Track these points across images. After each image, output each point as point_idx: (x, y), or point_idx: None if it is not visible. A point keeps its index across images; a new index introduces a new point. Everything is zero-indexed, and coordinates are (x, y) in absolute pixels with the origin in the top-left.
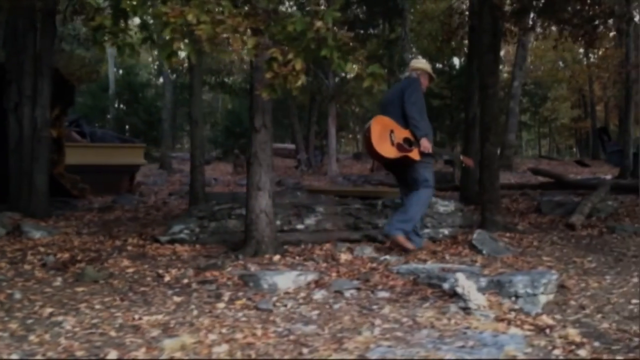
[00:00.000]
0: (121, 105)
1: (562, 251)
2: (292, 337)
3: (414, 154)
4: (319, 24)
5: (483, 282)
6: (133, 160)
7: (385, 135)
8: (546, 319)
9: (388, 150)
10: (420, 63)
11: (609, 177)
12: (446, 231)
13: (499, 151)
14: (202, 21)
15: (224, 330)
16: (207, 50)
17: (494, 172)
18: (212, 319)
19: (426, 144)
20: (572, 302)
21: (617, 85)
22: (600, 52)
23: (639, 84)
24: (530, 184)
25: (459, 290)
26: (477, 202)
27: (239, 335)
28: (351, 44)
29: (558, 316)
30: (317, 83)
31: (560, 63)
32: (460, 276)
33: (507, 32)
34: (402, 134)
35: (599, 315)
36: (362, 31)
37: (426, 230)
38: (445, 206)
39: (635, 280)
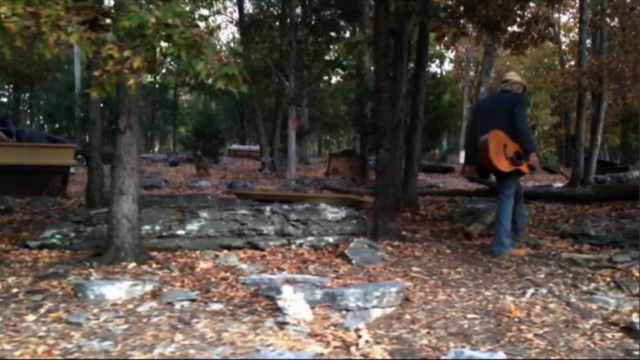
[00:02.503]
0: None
1: (440, 261)
2: (76, 355)
3: (524, 168)
4: (152, 19)
5: (319, 294)
6: (61, 160)
7: (500, 150)
8: (363, 335)
9: (504, 164)
10: (519, 77)
11: (559, 184)
12: (331, 239)
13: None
14: (16, 13)
15: (7, 347)
16: (20, 45)
17: (388, 179)
18: (11, 333)
19: (535, 159)
20: (407, 316)
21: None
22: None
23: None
24: (467, 191)
25: (280, 303)
26: (402, 207)
27: (20, 352)
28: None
29: (381, 331)
30: (279, 85)
31: (542, 69)
32: (286, 289)
33: (440, 37)
34: (513, 147)
35: (425, 331)
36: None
37: (309, 238)
38: (334, 213)
39: (488, 293)
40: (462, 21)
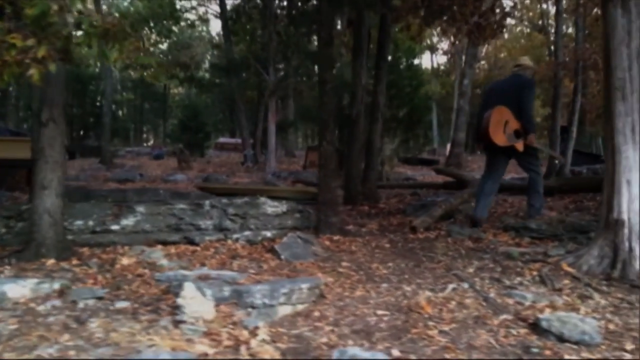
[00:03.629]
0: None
1: (374, 256)
2: None
3: (519, 146)
4: (54, 7)
5: (227, 292)
6: (25, 155)
7: (500, 125)
8: (260, 334)
9: (499, 139)
10: (530, 61)
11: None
12: (269, 233)
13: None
14: None
15: None
16: None
17: (331, 172)
18: None
19: (532, 139)
20: (316, 314)
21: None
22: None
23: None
24: (435, 183)
25: (179, 301)
26: (360, 200)
27: None
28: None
29: (283, 330)
30: (259, 78)
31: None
32: (187, 286)
33: (404, 28)
34: (514, 125)
35: (329, 329)
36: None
37: (246, 233)
38: (274, 207)
39: (409, 289)
40: (422, 12)
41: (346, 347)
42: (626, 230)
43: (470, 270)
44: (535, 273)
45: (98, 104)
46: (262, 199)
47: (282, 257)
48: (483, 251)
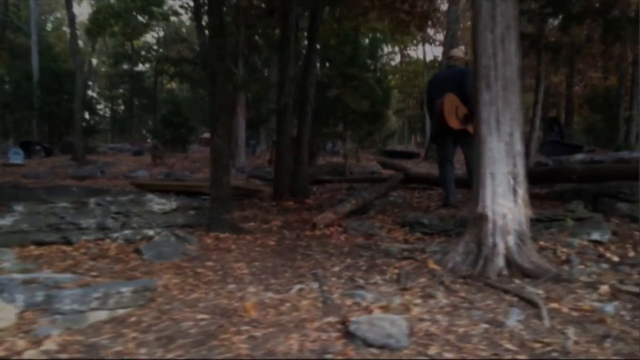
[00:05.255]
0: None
1: (249, 255)
2: None
3: (470, 128)
4: None
5: (40, 297)
6: None
7: (453, 110)
8: (46, 344)
9: (454, 123)
10: (462, 53)
11: None
12: (152, 232)
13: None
14: None
15: None
16: None
17: (223, 167)
18: None
19: None
20: (132, 319)
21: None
22: None
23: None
24: (381, 178)
25: None
26: (287, 195)
27: None
28: None
29: (79, 338)
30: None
31: None
32: None
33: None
34: (463, 111)
35: (132, 336)
36: None
37: (126, 232)
38: (161, 204)
39: (252, 290)
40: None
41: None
42: (490, 225)
43: (336, 269)
44: (397, 271)
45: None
46: (149, 196)
47: (145, 257)
48: (367, 248)
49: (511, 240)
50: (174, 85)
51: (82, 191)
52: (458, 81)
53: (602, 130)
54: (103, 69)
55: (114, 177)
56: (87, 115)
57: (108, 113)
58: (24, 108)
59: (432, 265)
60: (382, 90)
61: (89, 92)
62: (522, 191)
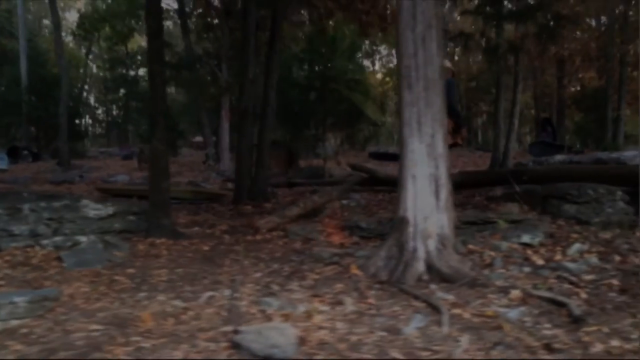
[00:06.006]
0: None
1: (175, 262)
2: None
3: (459, 140)
4: None
5: None
6: None
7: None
8: None
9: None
10: (447, 63)
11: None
12: (84, 238)
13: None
14: None
15: None
16: None
17: (162, 171)
18: None
19: (464, 133)
20: (23, 331)
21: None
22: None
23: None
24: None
25: None
26: (245, 199)
27: None
28: None
29: None
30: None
31: None
32: None
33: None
34: (449, 124)
35: (18, 348)
36: None
37: (57, 238)
38: (97, 210)
39: (162, 298)
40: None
41: None
42: (411, 229)
43: (258, 275)
44: (317, 277)
45: (71, 104)
46: (85, 202)
47: (65, 264)
48: (300, 253)
49: (432, 244)
50: (173, 89)
51: (33, 197)
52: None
53: (591, 130)
54: (101, 74)
55: (92, 182)
56: (79, 120)
57: (102, 117)
58: (12, 113)
59: (354, 270)
60: (361, 92)
61: (88, 97)
62: (444, 194)
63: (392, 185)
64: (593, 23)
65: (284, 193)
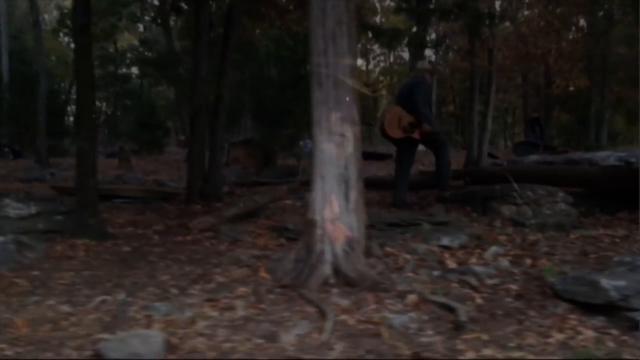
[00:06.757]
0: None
1: (89, 264)
2: None
3: (416, 135)
4: None
5: None
6: None
7: (395, 121)
8: None
9: (395, 132)
10: (422, 64)
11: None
12: (1, 239)
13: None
14: None
15: None
16: None
17: (88, 169)
18: None
19: (426, 127)
20: None
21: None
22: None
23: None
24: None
25: None
26: (195, 199)
27: None
28: None
29: None
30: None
31: None
32: None
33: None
34: (407, 119)
35: None
36: None
37: None
38: (19, 209)
39: (51, 302)
40: None
41: None
42: (319, 231)
43: (165, 277)
44: (223, 280)
45: (52, 102)
46: (6, 201)
47: None
48: (221, 255)
49: (339, 247)
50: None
51: None
52: (409, 93)
53: (573, 131)
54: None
55: (64, 180)
56: (61, 118)
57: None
58: None
59: (263, 274)
60: None
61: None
62: (354, 195)
63: None
64: (582, 24)
65: (248, 192)
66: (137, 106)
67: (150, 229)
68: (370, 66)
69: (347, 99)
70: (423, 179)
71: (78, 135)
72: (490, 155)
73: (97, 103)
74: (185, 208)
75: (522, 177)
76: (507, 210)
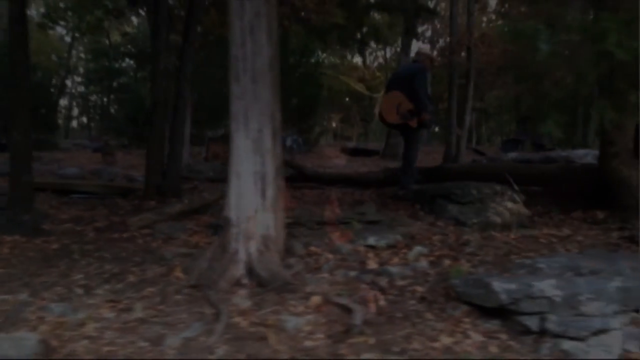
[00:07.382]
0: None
1: (9, 261)
2: None
3: (413, 123)
4: None
5: None
6: None
7: (393, 107)
8: None
9: (393, 118)
10: (425, 49)
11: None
12: None
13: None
14: None
15: None
16: None
17: (23, 164)
18: None
19: (426, 116)
20: None
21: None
22: None
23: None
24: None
25: None
26: (152, 194)
27: None
28: None
29: None
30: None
31: None
32: None
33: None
34: (407, 106)
35: None
36: None
37: None
38: None
39: None
40: None
41: None
42: (234, 230)
43: (77, 277)
44: (136, 280)
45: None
46: None
47: None
48: (149, 253)
49: (254, 246)
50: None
51: None
52: (409, 76)
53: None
54: (84, 65)
55: (40, 174)
56: (48, 111)
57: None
58: None
59: (177, 272)
60: (313, 87)
61: (73, 88)
62: (271, 192)
63: (320, 182)
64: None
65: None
66: (129, 101)
67: (91, 225)
68: (367, 62)
69: (266, 93)
70: (386, 176)
71: (12, 129)
72: (478, 152)
73: (92, 97)
74: (139, 204)
75: (481, 176)
76: (452, 209)
